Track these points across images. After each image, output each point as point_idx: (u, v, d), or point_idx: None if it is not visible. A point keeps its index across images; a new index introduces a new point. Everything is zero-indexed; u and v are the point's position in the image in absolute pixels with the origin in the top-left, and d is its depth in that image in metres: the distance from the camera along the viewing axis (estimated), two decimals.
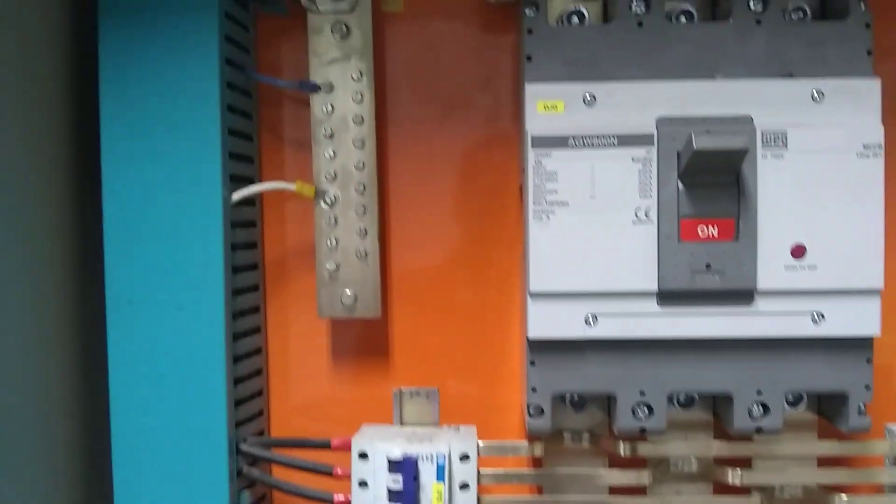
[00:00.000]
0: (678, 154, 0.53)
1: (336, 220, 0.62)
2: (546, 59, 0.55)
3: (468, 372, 0.66)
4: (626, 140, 0.54)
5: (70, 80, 0.60)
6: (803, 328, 0.55)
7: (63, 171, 0.60)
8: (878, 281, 0.54)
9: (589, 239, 0.54)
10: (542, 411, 0.57)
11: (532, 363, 0.57)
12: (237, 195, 0.59)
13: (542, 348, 0.56)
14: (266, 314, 0.67)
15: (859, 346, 0.56)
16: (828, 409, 0.60)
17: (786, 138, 0.53)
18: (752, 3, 0.55)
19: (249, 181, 0.63)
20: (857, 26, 0.54)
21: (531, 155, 0.54)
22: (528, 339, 0.56)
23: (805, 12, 0.58)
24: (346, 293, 0.62)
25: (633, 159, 0.54)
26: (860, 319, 0.55)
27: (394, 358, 0.67)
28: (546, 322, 0.55)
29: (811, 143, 0.53)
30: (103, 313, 0.58)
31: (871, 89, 0.53)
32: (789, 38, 0.55)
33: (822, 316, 0.54)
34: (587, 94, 0.54)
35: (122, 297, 0.58)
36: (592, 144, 0.54)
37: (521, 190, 0.62)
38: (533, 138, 0.54)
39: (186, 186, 0.58)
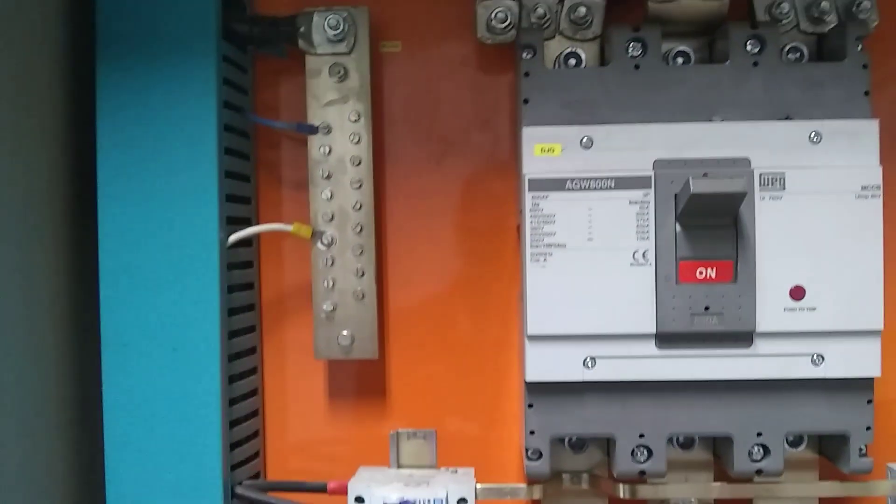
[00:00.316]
0: (676, 196, 0.53)
1: (333, 261, 0.62)
2: (543, 102, 0.55)
3: (467, 411, 0.66)
4: (623, 182, 0.54)
5: (67, 119, 0.60)
6: (803, 370, 0.54)
7: (58, 211, 0.60)
8: (877, 322, 0.54)
9: (587, 281, 0.54)
10: (541, 454, 0.56)
11: (530, 406, 0.56)
12: (234, 237, 0.59)
13: (540, 391, 0.56)
14: (262, 355, 0.66)
15: (860, 387, 0.55)
16: (829, 449, 0.59)
17: (784, 180, 0.53)
18: (748, 45, 0.55)
19: (247, 222, 0.63)
20: (854, 68, 0.54)
21: (528, 197, 0.54)
22: (526, 382, 0.56)
23: (802, 53, 0.58)
24: (342, 334, 0.62)
25: (630, 202, 0.54)
26: (860, 361, 0.54)
27: (391, 397, 0.66)
28: (544, 365, 0.55)
29: (809, 185, 0.53)
30: (98, 355, 0.58)
31: (869, 130, 0.53)
32: (787, 80, 0.55)
33: (822, 357, 0.54)
34: (584, 137, 0.54)
35: (118, 339, 0.58)
36: (590, 187, 0.54)
37: (519, 229, 0.62)
38: (530, 181, 0.54)
39: (183, 228, 0.58)
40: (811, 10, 0.58)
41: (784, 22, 0.58)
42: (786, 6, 0.57)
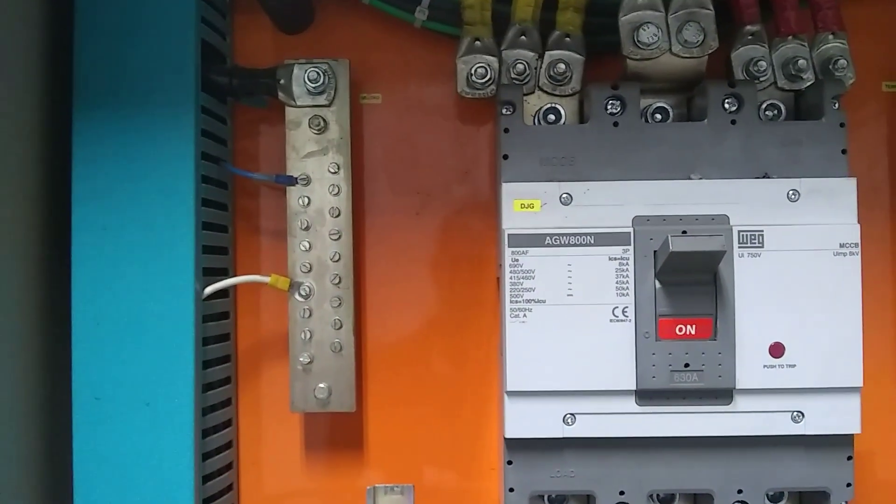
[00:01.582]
0: (655, 253, 0.53)
1: (311, 313, 0.61)
2: (523, 158, 0.55)
3: (445, 463, 0.65)
4: (602, 238, 0.54)
5: (41, 168, 0.60)
6: (783, 426, 0.54)
7: (31, 263, 0.59)
8: (857, 379, 0.54)
9: (567, 337, 0.54)
10: None
11: (509, 462, 0.56)
12: (210, 289, 0.59)
13: (519, 447, 0.55)
14: (238, 407, 0.65)
15: (840, 443, 0.55)
16: None
17: (763, 237, 0.53)
18: (726, 103, 0.55)
19: (223, 272, 0.62)
20: (831, 126, 0.55)
21: (508, 253, 0.54)
22: (505, 438, 0.55)
23: (780, 110, 0.58)
24: (319, 387, 0.61)
25: (610, 258, 0.53)
26: (841, 417, 0.54)
27: (368, 449, 0.65)
28: (524, 421, 0.54)
29: (788, 242, 0.53)
30: (69, 409, 0.57)
31: (846, 189, 0.54)
32: (764, 138, 0.55)
33: (802, 414, 0.54)
34: (564, 194, 0.54)
35: (89, 393, 0.57)
36: (569, 243, 0.54)
37: (499, 282, 0.62)
38: (510, 236, 0.54)
39: (158, 280, 0.57)
40: (788, 67, 0.58)
41: (762, 79, 0.58)
42: (763, 64, 0.58)
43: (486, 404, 0.64)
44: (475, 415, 0.65)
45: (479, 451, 0.64)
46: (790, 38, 0.59)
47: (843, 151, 0.55)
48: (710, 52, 0.56)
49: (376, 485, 0.59)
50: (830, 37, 0.59)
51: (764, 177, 0.55)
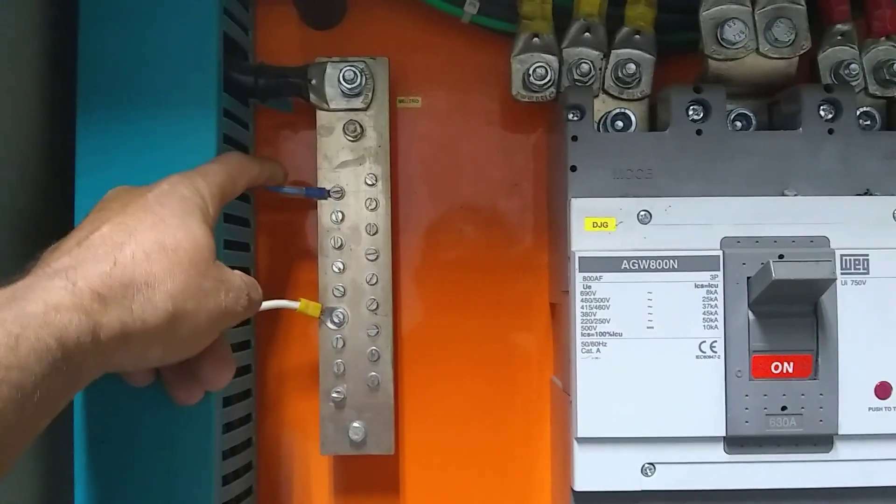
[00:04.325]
0: (749, 280, 0.47)
1: (344, 343, 0.54)
2: (593, 170, 0.49)
3: None
4: (687, 263, 0.47)
5: (44, 178, 0.52)
6: (890, 477, 0.48)
7: None
8: None
9: (646, 376, 0.47)
10: None
11: None
12: None
13: (590, 500, 0.48)
14: (259, 449, 0.58)
15: None
16: None
17: (867, 262, 0.47)
18: (822, 111, 0.49)
19: None
20: None
21: (579, 279, 0.47)
22: (574, 491, 0.48)
23: (874, 119, 0.52)
24: (354, 426, 0.54)
25: (696, 285, 0.47)
26: None
27: (406, 498, 0.58)
28: (596, 472, 0.48)
29: (895, 268, 0.47)
30: (71, 459, 0.49)
31: None
32: (865, 150, 0.49)
33: None
34: (642, 211, 0.48)
35: (96, 438, 0.49)
36: (649, 267, 0.47)
37: (554, 308, 0.55)
38: (581, 260, 0.47)
39: None
40: (881, 71, 0.52)
41: (853, 84, 0.52)
42: (855, 67, 0.52)
43: (536, 447, 0.58)
44: (524, 459, 0.58)
45: (528, 500, 0.58)
46: (883, 38, 0.53)
47: None
48: (803, 52, 0.50)
49: None
50: None
51: (866, 193, 0.49)
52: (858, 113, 0.52)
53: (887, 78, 0.52)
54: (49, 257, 0.39)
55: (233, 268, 0.52)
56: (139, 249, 0.39)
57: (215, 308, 0.42)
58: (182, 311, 0.39)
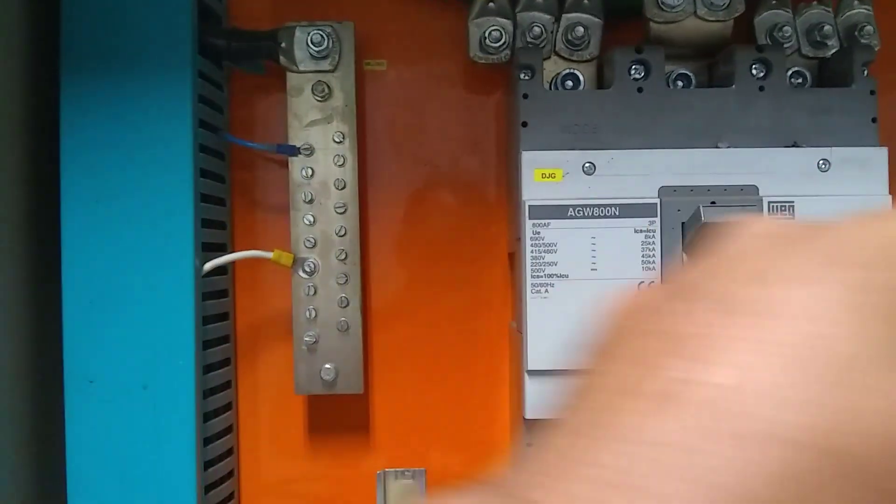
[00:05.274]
0: (683, 225, 0.51)
1: (315, 290, 0.58)
2: (543, 126, 0.53)
3: (455, 447, 0.62)
4: (627, 210, 0.51)
5: (27, 138, 0.56)
6: None
7: (19, 237, 0.55)
8: None
9: (590, 313, 0.51)
10: None
11: (529, 444, 0.53)
12: (209, 265, 0.55)
13: (539, 428, 0.53)
14: (238, 390, 0.62)
15: None
16: None
17: (793, 208, 0.51)
18: (754, 69, 0.53)
19: (221, 248, 0.59)
20: (861, 94, 0.53)
21: (529, 225, 0.51)
22: (525, 420, 0.53)
23: (805, 78, 0.56)
24: (325, 368, 0.58)
25: (635, 230, 0.51)
26: None
27: (375, 433, 0.63)
28: (544, 401, 0.52)
29: (818, 214, 0.51)
30: (61, 392, 0.53)
31: (878, 158, 0.52)
32: (793, 106, 0.53)
33: None
34: (587, 163, 0.52)
35: (83, 376, 0.53)
36: (593, 214, 0.51)
37: (512, 257, 0.59)
38: (531, 208, 0.51)
39: (154, 256, 0.53)
40: (813, 33, 0.56)
41: (786, 46, 0.56)
42: (788, 29, 0.56)
43: (496, 384, 0.62)
44: (486, 395, 0.62)
45: (490, 432, 0.62)
46: (815, 3, 0.57)
47: (874, 120, 0.53)
48: (737, 15, 0.54)
49: (386, 469, 0.56)
50: (856, 2, 0.57)
51: (793, 146, 0.53)
52: (791, 72, 0.56)
53: (818, 40, 0.56)
54: None
55: (210, 221, 0.56)
56: None
57: None
58: None
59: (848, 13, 0.57)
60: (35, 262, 0.56)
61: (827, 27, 0.56)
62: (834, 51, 0.56)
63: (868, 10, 0.57)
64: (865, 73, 0.53)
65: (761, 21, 0.56)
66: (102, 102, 0.53)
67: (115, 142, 0.53)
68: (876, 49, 0.56)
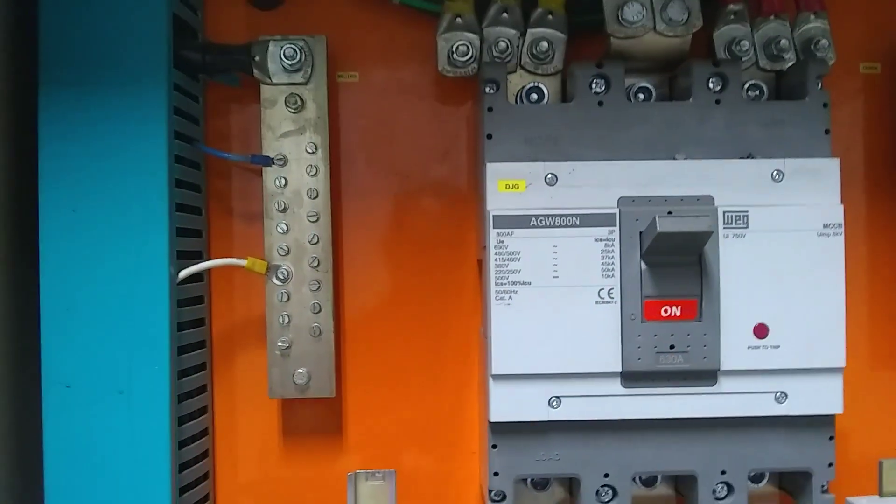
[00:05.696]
0: (641, 234, 0.53)
1: (289, 297, 0.60)
2: (507, 138, 0.54)
3: (425, 448, 0.64)
4: (588, 220, 0.53)
5: (6, 148, 0.57)
6: (767, 408, 0.54)
7: None
8: (839, 360, 0.54)
9: (552, 319, 0.53)
10: (505, 496, 0.55)
11: (494, 447, 0.55)
12: (185, 272, 0.57)
13: (504, 431, 0.55)
14: (213, 394, 0.64)
15: (822, 423, 0.55)
16: (790, 485, 0.59)
17: (747, 218, 0.53)
18: (711, 83, 0.55)
19: (197, 256, 0.61)
20: (815, 106, 0.55)
21: (493, 234, 0.53)
22: (490, 422, 0.54)
23: (762, 90, 0.58)
24: (298, 372, 0.60)
25: (595, 239, 0.53)
26: (823, 398, 0.54)
27: (347, 435, 0.64)
28: (509, 404, 0.54)
29: (772, 223, 0.53)
30: (38, 398, 0.55)
31: (830, 169, 0.54)
32: (749, 118, 0.55)
33: (786, 395, 0.54)
34: (549, 174, 0.53)
35: (59, 380, 0.55)
36: (555, 224, 0.53)
37: (481, 265, 0.61)
38: (494, 217, 0.53)
39: (130, 264, 0.55)
40: (770, 47, 0.58)
41: (744, 59, 0.58)
42: (745, 43, 0.58)
43: (466, 388, 0.64)
44: (455, 399, 0.64)
45: (459, 435, 0.64)
46: (772, 17, 0.59)
47: (827, 132, 0.55)
48: (695, 30, 0.56)
49: (357, 471, 0.57)
50: (812, 16, 0.59)
51: (748, 157, 0.54)
52: (748, 85, 0.58)
53: (775, 53, 0.58)
54: None
55: (185, 230, 0.57)
56: None
57: None
58: None
59: (804, 27, 0.59)
60: (13, 269, 0.58)
61: (784, 41, 0.58)
62: (790, 64, 0.58)
63: (824, 24, 0.59)
64: (819, 85, 0.55)
65: (720, 35, 0.58)
66: (80, 113, 0.55)
67: (93, 152, 0.55)
68: (831, 62, 0.58)
